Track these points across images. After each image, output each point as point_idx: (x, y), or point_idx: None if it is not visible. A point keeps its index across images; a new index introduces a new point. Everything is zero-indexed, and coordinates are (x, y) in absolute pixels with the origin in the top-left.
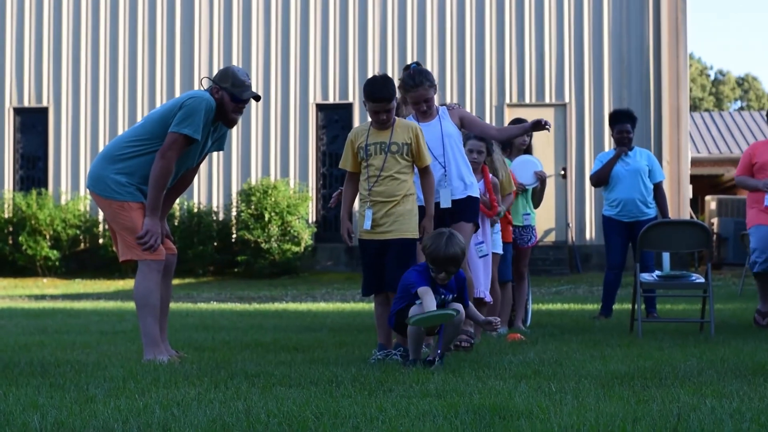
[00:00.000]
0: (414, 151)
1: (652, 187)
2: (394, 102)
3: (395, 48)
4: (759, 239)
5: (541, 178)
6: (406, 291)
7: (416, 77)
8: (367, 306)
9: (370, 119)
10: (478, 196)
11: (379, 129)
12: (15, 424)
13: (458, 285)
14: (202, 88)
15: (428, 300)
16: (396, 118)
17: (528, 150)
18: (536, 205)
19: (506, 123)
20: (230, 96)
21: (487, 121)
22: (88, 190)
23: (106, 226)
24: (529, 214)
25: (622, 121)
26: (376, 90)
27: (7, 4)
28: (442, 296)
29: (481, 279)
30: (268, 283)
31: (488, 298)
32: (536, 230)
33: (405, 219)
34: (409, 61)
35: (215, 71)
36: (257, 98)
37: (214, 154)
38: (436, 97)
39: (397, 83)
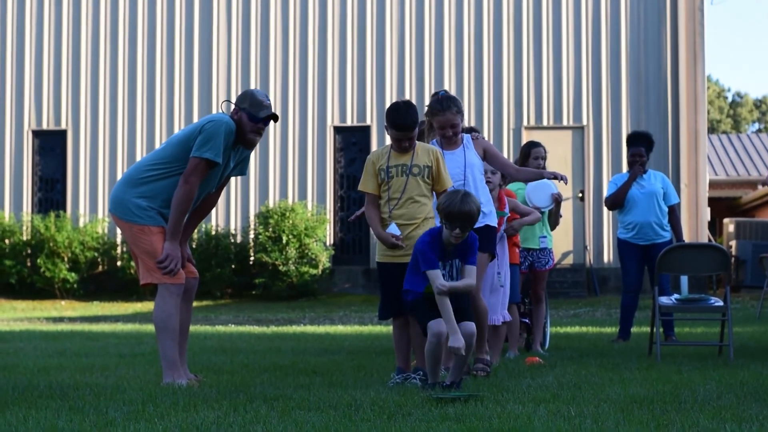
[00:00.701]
0: (434, 175)
1: (666, 209)
2: (416, 130)
3: (413, 71)
4: None
5: (557, 201)
6: (416, 263)
7: (444, 102)
8: (385, 329)
9: (389, 143)
10: (495, 225)
11: (400, 153)
12: None
13: (464, 247)
14: (222, 111)
15: (436, 279)
16: (417, 142)
17: None
18: (553, 227)
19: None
20: (248, 116)
21: (505, 143)
22: (106, 213)
23: (125, 249)
24: (545, 237)
25: (636, 144)
26: (399, 118)
27: (26, 27)
28: (448, 266)
29: (499, 307)
30: (286, 305)
31: (507, 318)
32: (554, 253)
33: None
34: (426, 84)
35: (233, 95)
36: (276, 118)
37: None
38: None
39: (425, 109)
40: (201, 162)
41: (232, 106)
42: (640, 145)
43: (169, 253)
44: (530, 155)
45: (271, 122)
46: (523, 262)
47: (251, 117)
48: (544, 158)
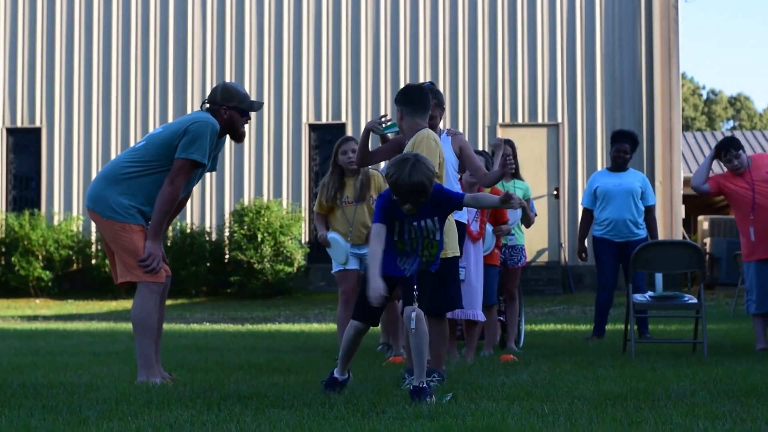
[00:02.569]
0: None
1: (643, 208)
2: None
3: (388, 68)
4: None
5: (521, 206)
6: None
7: None
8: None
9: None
10: (464, 222)
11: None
12: None
13: (435, 203)
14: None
15: (374, 245)
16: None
17: (516, 171)
18: (527, 225)
19: None
20: (240, 112)
21: (480, 141)
22: (81, 211)
23: (99, 247)
24: (514, 235)
25: (621, 141)
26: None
27: None
28: (415, 226)
29: (478, 301)
30: (261, 303)
31: (481, 318)
32: (526, 250)
33: (446, 238)
34: (401, 82)
35: (208, 92)
36: (261, 105)
37: (207, 174)
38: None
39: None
40: (187, 163)
41: (206, 106)
42: (625, 141)
43: (151, 251)
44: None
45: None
46: None
47: (243, 113)
48: (509, 155)
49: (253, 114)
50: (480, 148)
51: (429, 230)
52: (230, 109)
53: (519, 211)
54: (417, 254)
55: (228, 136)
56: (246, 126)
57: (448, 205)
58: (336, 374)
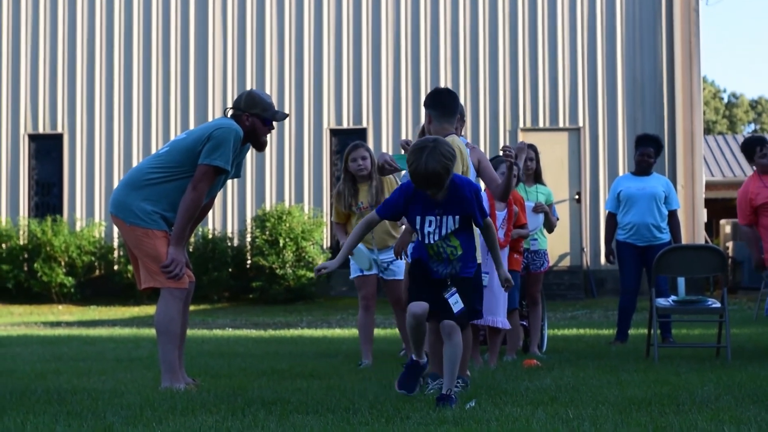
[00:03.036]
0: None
1: (666, 213)
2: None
3: (409, 73)
4: None
5: (541, 210)
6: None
7: None
8: (382, 332)
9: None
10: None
11: None
12: None
13: (455, 200)
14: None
15: (356, 232)
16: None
17: (539, 176)
18: (550, 230)
19: None
20: (262, 120)
21: (501, 145)
22: (103, 217)
23: (122, 253)
24: (536, 239)
25: (645, 144)
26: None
27: (21, 31)
28: (435, 222)
29: (501, 308)
30: (283, 308)
31: (505, 325)
32: (549, 255)
33: None
34: (422, 87)
35: (229, 97)
36: (285, 116)
37: (229, 180)
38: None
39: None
40: (210, 169)
41: (230, 111)
42: (649, 145)
43: (174, 257)
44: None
45: None
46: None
47: (266, 121)
48: (532, 159)
49: (276, 123)
50: (500, 154)
51: (447, 227)
52: (252, 116)
53: (540, 217)
54: (444, 255)
55: (258, 150)
56: (268, 135)
57: (464, 204)
58: (415, 357)
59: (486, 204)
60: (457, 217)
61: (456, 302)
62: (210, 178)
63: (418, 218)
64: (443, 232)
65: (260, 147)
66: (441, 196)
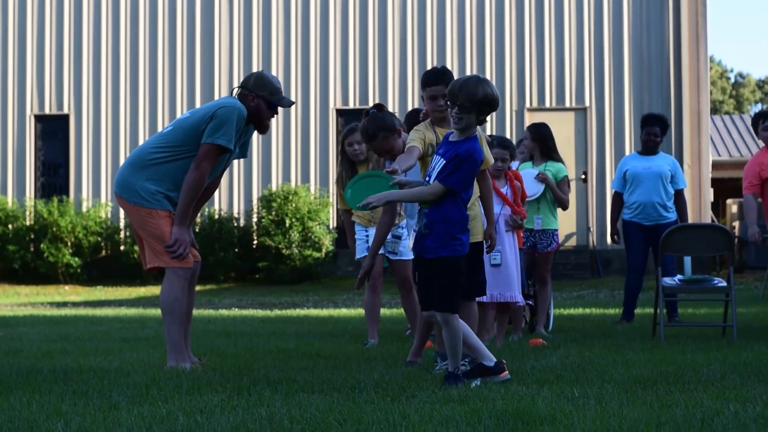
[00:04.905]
0: None
1: (672, 192)
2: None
3: (415, 53)
4: None
5: (544, 180)
6: None
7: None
8: (388, 311)
9: (426, 119)
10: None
11: (440, 125)
12: None
13: (448, 150)
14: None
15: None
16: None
17: (550, 153)
18: (563, 206)
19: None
20: (267, 103)
21: (507, 125)
22: (109, 197)
23: (128, 233)
24: (540, 218)
25: (652, 124)
26: (429, 73)
27: (28, 12)
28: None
29: (516, 284)
30: (290, 289)
31: (520, 300)
32: (558, 235)
33: (474, 223)
34: (428, 66)
35: (236, 77)
36: (291, 103)
37: (235, 160)
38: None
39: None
40: (213, 148)
41: (237, 90)
42: (655, 125)
43: (177, 237)
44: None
45: None
46: (526, 243)
47: (271, 105)
48: (546, 137)
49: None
50: (507, 134)
51: (436, 169)
52: (259, 98)
53: (540, 187)
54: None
55: (260, 133)
56: (273, 120)
57: (451, 160)
58: (486, 363)
59: (469, 179)
60: (443, 161)
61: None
62: (213, 157)
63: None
64: (432, 173)
65: (263, 130)
66: (456, 133)
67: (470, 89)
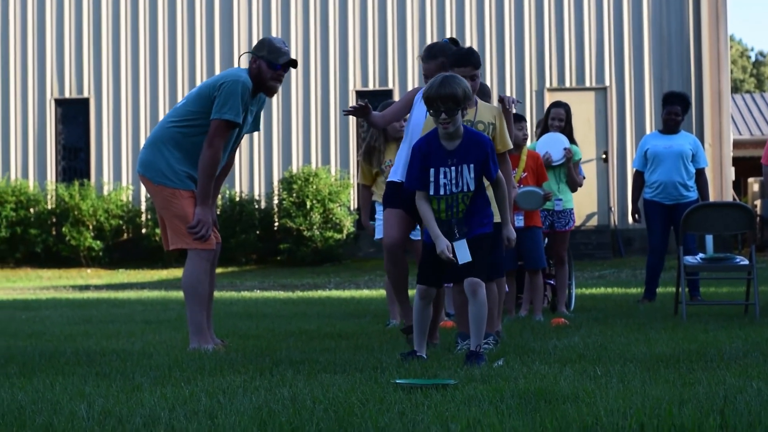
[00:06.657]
0: (498, 133)
1: (693, 171)
2: (479, 71)
3: (434, 34)
4: None
5: (567, 158)
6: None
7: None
8: (411, 292)
9: None
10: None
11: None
12: (62, 413)
13: (469, 146)
14: (240, 66)
15: (423, 209)
16: (477, 99)
17: (568, 133)
18: (573, 188)
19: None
20: (267, 63)
21: (527, 105)
22: (130, 180)
23: (149, 216)
24: (560, 199)
25: (673, 103)
26: (460, 53)
27: None
28: (452, 171)
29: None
30: (311, 270)
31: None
32: (575, 214)
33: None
34: None
35: None
36: (295, 64)
37: (255, 142)
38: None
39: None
40: (222, 123)
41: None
42: (677, 104)
43: (200, 218)
44: (549, 115)
45: (294, 84)
46: (544, 222)
47: (270, 64)
48: (562, 120)
49: (300, 81)
50: (526, 114)
51: (464, 179)
52: (259, 58)
53: (562, 152)
54: (453, 211)
55: (267, 96)
56: (282, 79)
57: (479, 151)
58: (416, 348)
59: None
60: (472, 165)
61: (462, 249)
62: (223, 132)
63: (432, 170)
64: (461, 183)
65: (269, 91)
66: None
67: (450, 90)
